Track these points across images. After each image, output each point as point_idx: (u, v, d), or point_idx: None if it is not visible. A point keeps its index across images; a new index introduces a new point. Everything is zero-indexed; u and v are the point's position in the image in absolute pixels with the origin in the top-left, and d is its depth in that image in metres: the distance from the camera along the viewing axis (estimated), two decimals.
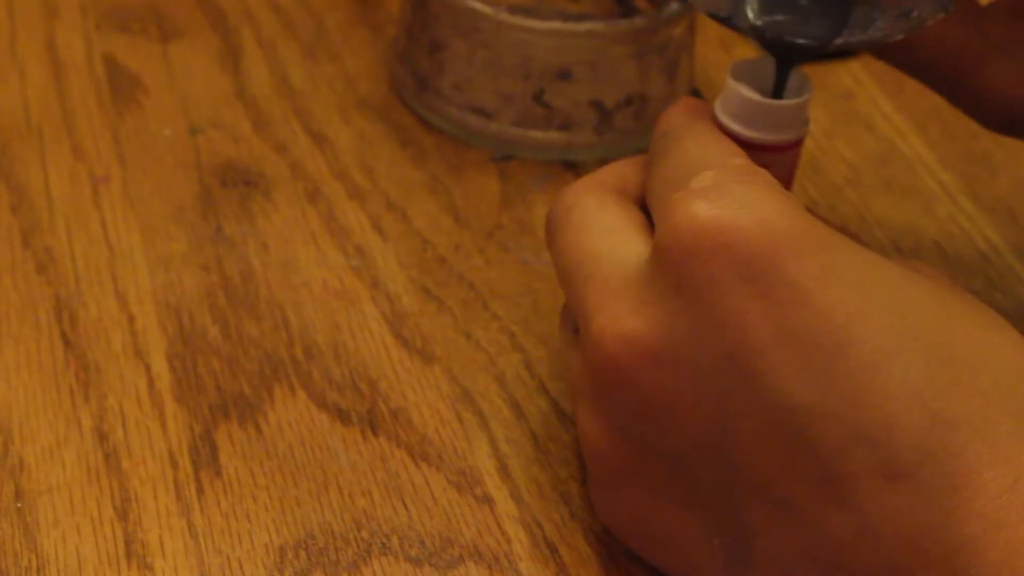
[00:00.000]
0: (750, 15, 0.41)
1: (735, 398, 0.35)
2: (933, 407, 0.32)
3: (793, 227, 0.35)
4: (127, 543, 0.40)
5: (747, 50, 0.62)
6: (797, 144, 0.44)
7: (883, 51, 0.45)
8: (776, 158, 0.44)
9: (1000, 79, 0.44)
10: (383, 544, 0.40)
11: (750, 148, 0.44)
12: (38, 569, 0.39)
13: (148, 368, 0.45)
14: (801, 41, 0.41)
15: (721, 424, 0.35)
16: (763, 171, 0.37)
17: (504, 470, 0.43)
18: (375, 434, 0.43)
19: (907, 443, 0.32)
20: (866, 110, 0.59)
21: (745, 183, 0.36)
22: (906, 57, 0.45)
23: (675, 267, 0.35)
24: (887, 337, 0.33)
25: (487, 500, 0.42)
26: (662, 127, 0.41)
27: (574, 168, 0.55)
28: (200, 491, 0.41)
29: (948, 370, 0.33)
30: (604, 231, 0.39)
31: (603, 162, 0.54)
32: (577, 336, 0.40)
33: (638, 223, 0.39)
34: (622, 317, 0.36)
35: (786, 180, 0.45)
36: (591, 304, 0.37)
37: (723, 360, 0.35)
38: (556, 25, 0.53)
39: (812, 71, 0.61)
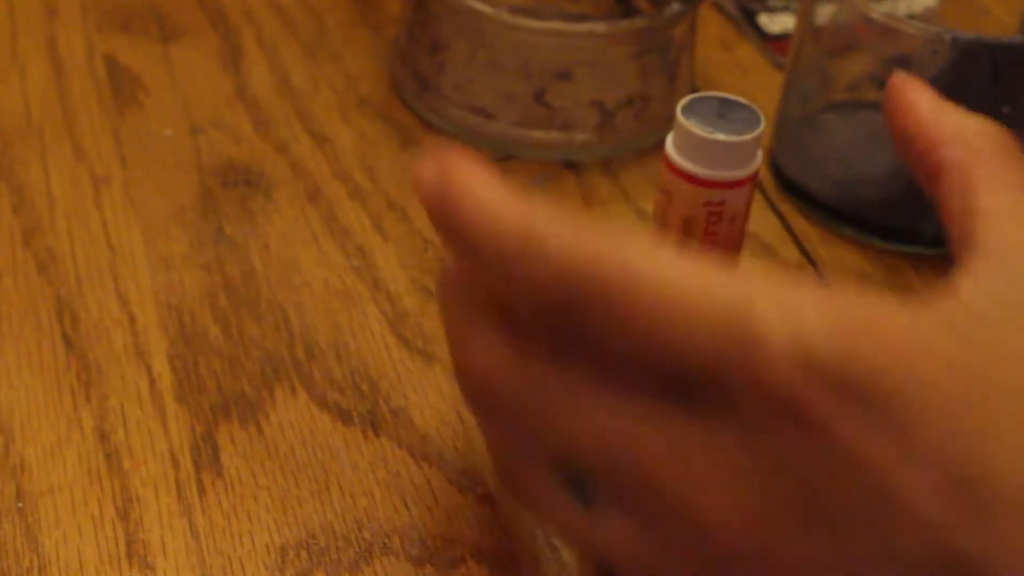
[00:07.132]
0: None
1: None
2: None
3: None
4: (128, 543, 0.40)
5: (748, 50, 0.62)
6: (752, 179, 0.45)
7: None
8: (733, 195, 0.44)
9: None
10: (384, 544, 0.40)
11: (708, 186, 0.44)
12: (40, 569, 0.39)
13: (149, 368, 0.45)
14: None
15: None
16: (807, 280, 0.34)
17: None
18: (376, 434, 0.43)
19: None
20: None
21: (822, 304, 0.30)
22: None
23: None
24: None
25: (488, 500, 0.42)
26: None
27: (574, 168, 0.55)
28: (201, 491, 0.41)
29: None
30: None
31: (603, 162, 0.55)
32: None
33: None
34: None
35: (741, 217, 0.46)
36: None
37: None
38: (556, 25, 0.53)
39: None
